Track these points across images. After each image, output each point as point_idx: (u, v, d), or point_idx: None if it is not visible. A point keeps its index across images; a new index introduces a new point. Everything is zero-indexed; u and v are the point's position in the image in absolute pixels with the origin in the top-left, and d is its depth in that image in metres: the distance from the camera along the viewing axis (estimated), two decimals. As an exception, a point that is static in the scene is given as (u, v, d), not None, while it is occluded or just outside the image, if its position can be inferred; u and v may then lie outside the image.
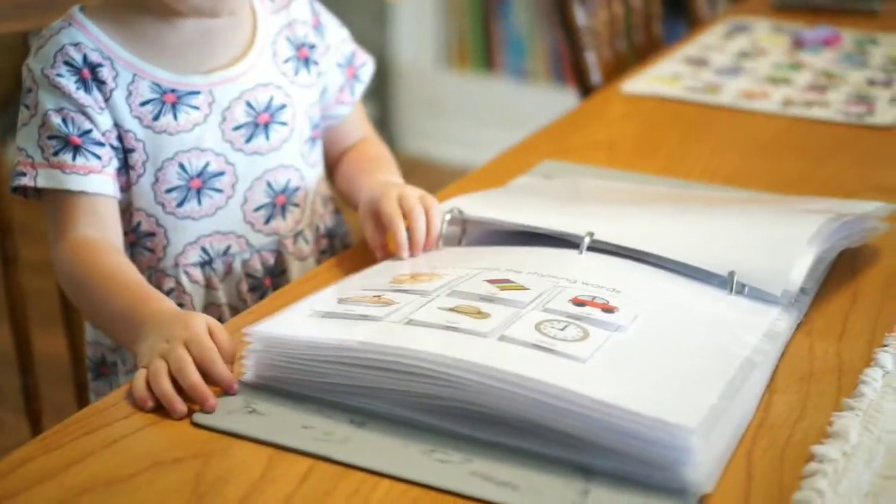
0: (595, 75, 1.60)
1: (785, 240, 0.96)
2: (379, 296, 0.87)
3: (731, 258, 0.94)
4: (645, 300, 0.88)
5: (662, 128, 1.40)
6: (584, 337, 0.79)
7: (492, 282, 0.89)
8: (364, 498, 0.70)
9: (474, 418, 0.75)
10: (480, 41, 3.63)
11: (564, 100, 3.14)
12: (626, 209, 1.07)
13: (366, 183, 1.09)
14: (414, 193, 1.02)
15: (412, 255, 0.99)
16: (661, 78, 1.55)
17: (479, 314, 0.82)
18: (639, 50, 1.82)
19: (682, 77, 1.56)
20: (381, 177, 1.10)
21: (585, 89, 1.62)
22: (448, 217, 1.02)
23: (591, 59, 1.59)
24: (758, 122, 1.42)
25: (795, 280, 0.91)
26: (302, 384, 0.80)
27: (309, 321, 0.84)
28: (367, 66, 1.18)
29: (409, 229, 0.99)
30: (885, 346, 0.88)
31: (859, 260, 1.03)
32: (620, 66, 1.72)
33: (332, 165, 1.18)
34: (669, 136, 1.37)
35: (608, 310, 0.84)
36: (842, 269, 1.01)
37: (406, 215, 0.99)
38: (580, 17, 1.58)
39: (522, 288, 0.88)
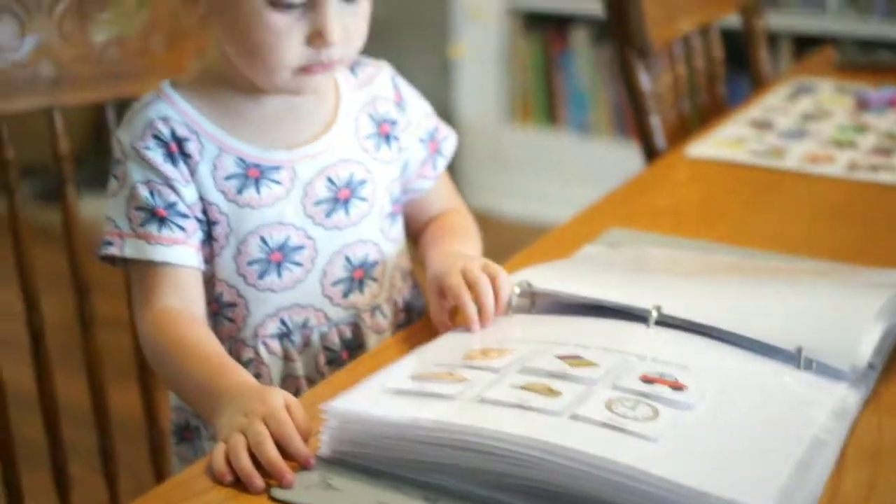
0: (659, 139, 1.62)
1: (852, 314, 0.97)
2: (451, 372, 0.89)
3: (798, 333, 0.95)
4: (713, 377, 0.89)
5: (727, 193, 1.41)
6: (653, 416, 0.80)
7: (562, 358, 0.90)
8: (438, 576, 0.72)
9: (546, 496, 0.77)
10: (543, 95, 3.66)
11: (627, 153, 3.15)
12: (692, 281, 1.08)
13: (434, 255, 1.11)
14: (477, 264, 1.03)
15: (482, 326, 1.01)
16: (725, 141, 1.56)
17: (551, 392, 0.84)
18: (703, 111, 1.84)
19: (747, 140, 1.57)
20: (451, 248, 1.12)
21: (650, 152, 1.63)
22: (518, 291, 1.04)
23: (656, 122, 1.61)
24: (823, 186, 1.42)
25: (863, 355, 0.92)
26: (377, 460, 0.82)
27: (383, 398, 0.86)
28: (448, 140, 1.20)
29: (476, 301, 1.01)
30: (954, 422, 0.89)
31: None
32: (685, 128, 1.74)
33: (415, 237, 1.20)
34: (734, 201, 1.38)
35: (677, 387, 0.85)
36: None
37: (471, 287, 1.00)
38: (644, 81, 1.59)
39: (592, 364, 0.89)
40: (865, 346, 0.93)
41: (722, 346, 0.95)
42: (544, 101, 3.67)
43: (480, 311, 1.00)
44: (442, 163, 1.19)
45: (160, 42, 1.35)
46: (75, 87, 1.34)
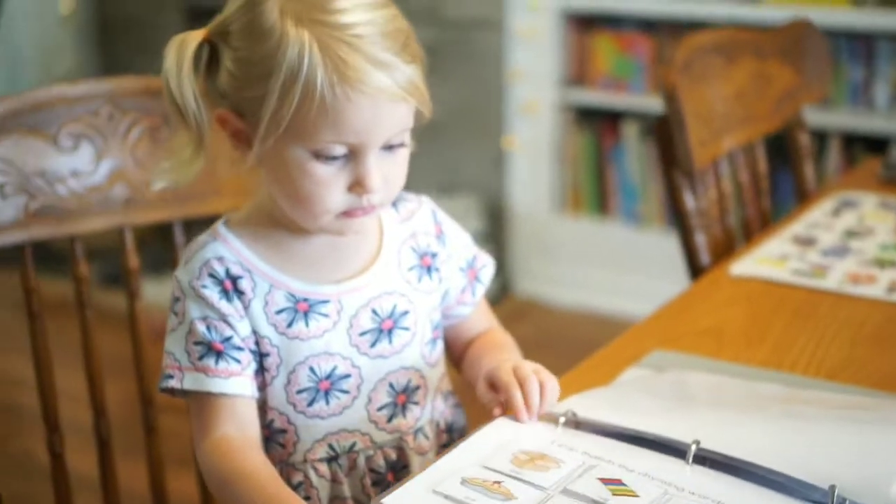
0: (704, 256, 1.67)
1: (887, 453, 1.00)
2: (499, 483, 0.94)
3: (832, 471, 0.98)
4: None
5: (769, 314, 1.44)
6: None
7: (604, 481, 0.94)
8: None
9: None
10: (594, 187, 3.72)
11: (675, 243, 3.19)
12: (730, 412, 1.12)
13: (486, 362, 1.16)
14: (529, 366, 1.09)
15: (529, 417, 1.06)
16: (768, 259, 1.61)
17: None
18: (749, 224, 1.88)
19: (790, 258, 1.61)
20: (501, 355, 1.18)
21: (695, 270, 1.67)
22: (563, 420, 1.09)
23: (700, 240, 1.66)
24: (863, 308, 1.45)
25: (894, 498, 0.96)
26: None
27: (433, 499, 0.91)
28: (487, 269, 1.26)
29: (525, 397, 1.06)
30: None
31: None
32: (730, 243, 1.78)
33: (459, 357, 1.25)
34: (776, 322, 1.42)
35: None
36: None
37: (521, 383, 1.06)
38: (689, 201, 1.64)
39: (633, 494, 0.94)
40: (896, 485, 0.97)
41: (756, 487, 0.99)
42: (595, 192, 3.73)
43: (528, 406, 1.06)
44: (480, 289, 1.25)
45: (224, 167, 1.43)
46: (146, 208, 1.42)
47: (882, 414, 1.12)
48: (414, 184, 4.06)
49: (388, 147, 1.07)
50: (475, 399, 1.16)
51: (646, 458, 1.02)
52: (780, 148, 2.21)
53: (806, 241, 1.68)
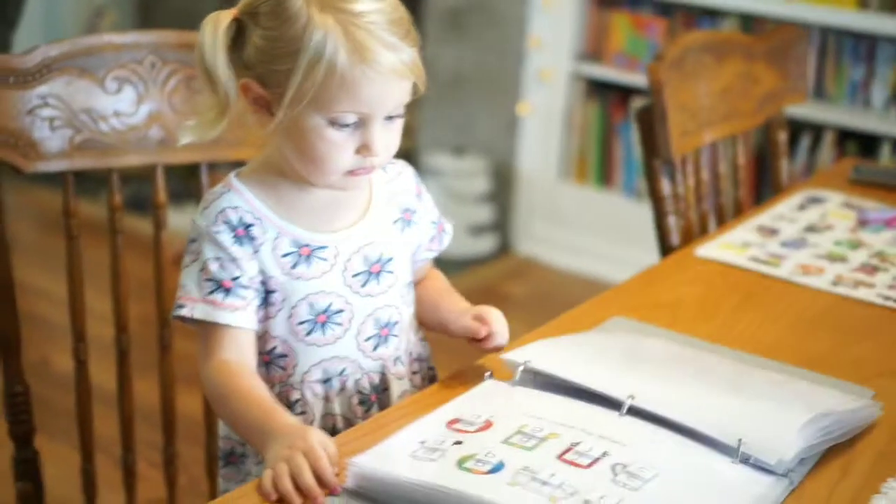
0: (674, 237, 1.84)
1: (788, 419, 1.18)
2: (460, 441, 1.12)
3: (742, 430, 1.16)
4: (664, 463, 1.10)
5: (723, 294, 1.62)
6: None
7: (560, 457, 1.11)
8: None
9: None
10: (600, 158, 3.88)
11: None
12: (669, 375, 1.30)
13: (448, 303, 1.40)
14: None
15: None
16: (731, 245, 1.78)
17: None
18: (723, 211, 2.05)
19: (751, 246, 1.78)
20: (458, 299, 1.41)
21: (664, 249, 1.85)
22: (521, 367, 1.27)
23: (672, 223, 1.83)
24: (807, 297, 1.62)
25: (788, 453, 1.13)
26: (390, 496, 1.05)
27: (397, 457, 1.10)
28: (448, 225, 1.45)
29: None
30: (857, 517, 1.10)
31: (858, 438, 1.24)
32: (703, 227, 1.95)
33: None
34: (728, 302, 1.59)
35: (634, 475, 1.07)
36: (841, 446, 1.22)
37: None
38: (665, 186, 1.82)
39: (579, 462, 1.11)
40: (792, 447, 1.14)
41: (678, 437, 1.17)
42: (600, 163, 3.89)
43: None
44: (446, 240, 1.44)
45: (252, 121, 1.60)
46: (178, 149, 1.59)
47: (790, 387, 1.30)
48: (429, 142, 4.28)
49: (389, 117, 1.25)
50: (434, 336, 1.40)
51: (585, 415, 1.19)
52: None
53: (769, 232, 1.85)
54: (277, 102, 1.22)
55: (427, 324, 1.41)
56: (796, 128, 3.43)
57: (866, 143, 3.41)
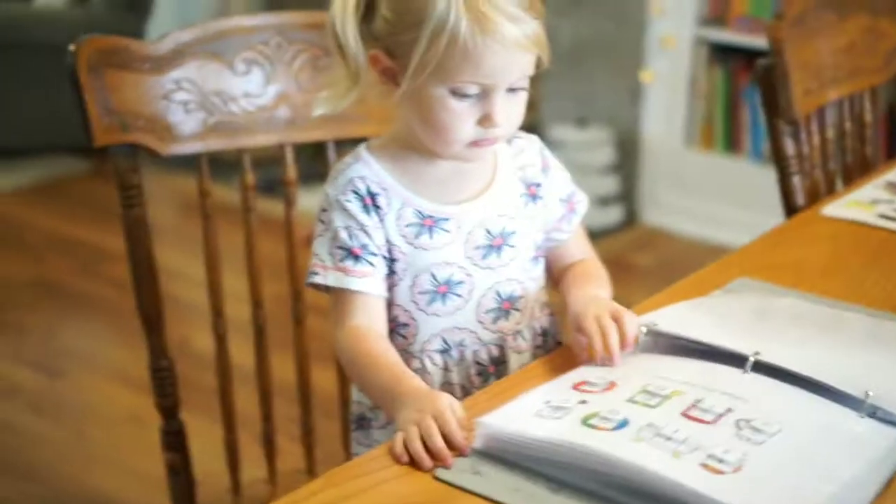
0: (799, 198, 1.82)
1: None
2: (585, 401, 1.14)
3: (870, 382, 1.16)
4: (790, 419, 1.11)
5: (849, 252, 1.60)
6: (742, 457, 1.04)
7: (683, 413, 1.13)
8: (551, 545, 0.98)
9: (642, 495, 1.01)
10: (726, 124, 3.84)
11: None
12: (795, 332, 1.30)
13: (574, 296, 1.35)
14: (608, 311, 1.26)
15: (610, 364, 1.24)
16: (859, 203, 1.76)
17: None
18: (851, 171, 2.02)
19: (879, 203, 1.75)
20: (589, 290, 1.36)
21: (790, 210, 1.84)
22: (644, 330, 1.28)
23: (796, 182, 1.82)
24: (939, 252, 1.61)
25: (917, 407, 1.13)
26: (515, 455, 1.08)
27: (523, 416, 1.12)
28: (582, 203, 1.44)
29: (606, 343, 1.24)
30: None
31: None
32: (829, 187, 1.94)
33: (557, 278, 1.45)
34: (854, 260, 1.58)
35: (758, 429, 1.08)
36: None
37: (603, 332, 1.24)
38: (789, 146, 1.80)
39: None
40: (921, 399, 1.14)
41: (804, 393, 1.17)
42: (727, 129, 3.85)
43: (609, 352, 1.23)
44: (576, 220, 1.43)
45: (374, 97, 1.64)
46: (306, 127, 1.65)
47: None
48: (552, 114, 4.28)
49: (512, 90, 1.27)
50: (562, 312, 1.37)
51: (708, 373, 1.20)
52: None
53: (897, 188, 1.82)
54: (403, 73, 1.25)
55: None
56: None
57: None
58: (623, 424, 1.09)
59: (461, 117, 1.26)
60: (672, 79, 3.87)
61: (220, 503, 1.70)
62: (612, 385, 1.19)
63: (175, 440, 1.60)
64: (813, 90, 1.87)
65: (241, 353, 1.79)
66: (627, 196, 4.02)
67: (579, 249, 1.45)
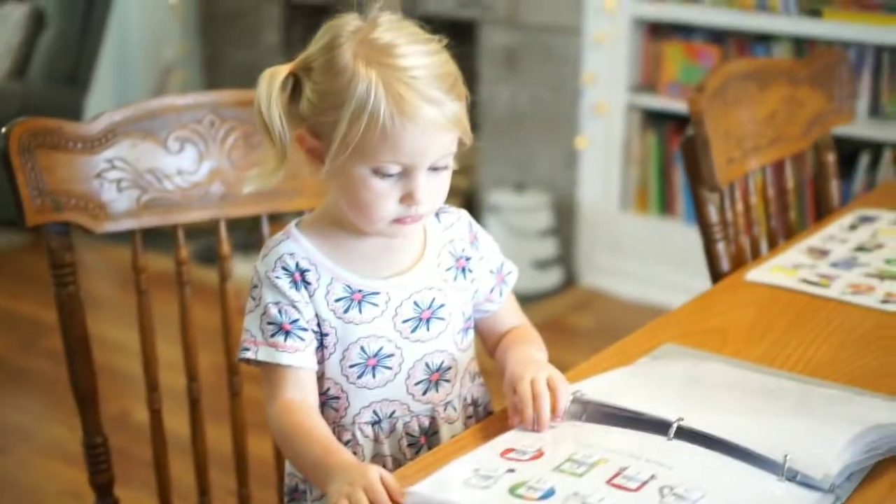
0: (724, 263, 1.87)
1: (833, 435, 1.21)
2: (513, 469, 1.17)
3: (788, 446, 1.19)
4: (712, 485, 1.14)
5: (773, 317, 1.64)
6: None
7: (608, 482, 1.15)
8: None
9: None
10: (660, 187, 3.91)
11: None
12: (717, 397, 1.33)
13: (511, 358, 1.38)
14: (543, 377, 1.29)
15: (539, 431, 1.27)
16: (782, 268, 1.80)
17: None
18: (775, 235, 2.08)
19: (801, 268, 1.80)
20: (525, 353, 1.39)
21: (715, 276, 1.88)
22: (572, 398, 1.31)
23: (721, 249, 1.86)
24: (857, 316, 1.64)
25: (833, 468, 1.16)
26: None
27: (452, 485, 1.14)
28: (512, 274, 1.48)
29: (537, 411, 1.27)
30: (903, 528, 1.13)
31: (906, 453, 1.27)
32: (754, 252, 1.98)
33: (492, 347, 1.47)
34: (777, 325, 1.62)
35: (681, 496, 1.11)
36: (890, 461, 1.25)
37: (535, 399, 1.28)
38: (712, 214, 1.85)
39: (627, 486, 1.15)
40: (837, 462, 1.17)
41: (726, 459, 1.20)
42: (661, 192, 3.92)
43: (538, 419, 1.27)
44: (506, 290, 1.47)
45: (307, 171, 1.67)
46: (239, 203, 1.67)
47: (839, 403, 1.32)
48: (490, 180, 4.36)
49: (434, 168, 1.30)
50: (498, 379, 1.39)
51: (634, 443, 1.23)
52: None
53: (820, 253, 1.87)
54: (327, 152, 1.28)
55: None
56: (854, 147, 3.44)
57: (928, 159, 3.41)
58: (549, 494, 1.12)
59: (383, 196, 1.29)
60: (606, 144, 3.94)
61: (156, 580, 1.69)
62: (539, 453, 1.21)
63: (109, 517, 1.60)
64: (736, 158, 1.92)
65: (179, 423, 1.80)
66: (565, 259, 4.07)
67: (512, 317, 1.49)
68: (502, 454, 1.22)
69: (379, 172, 1.28)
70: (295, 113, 1.32)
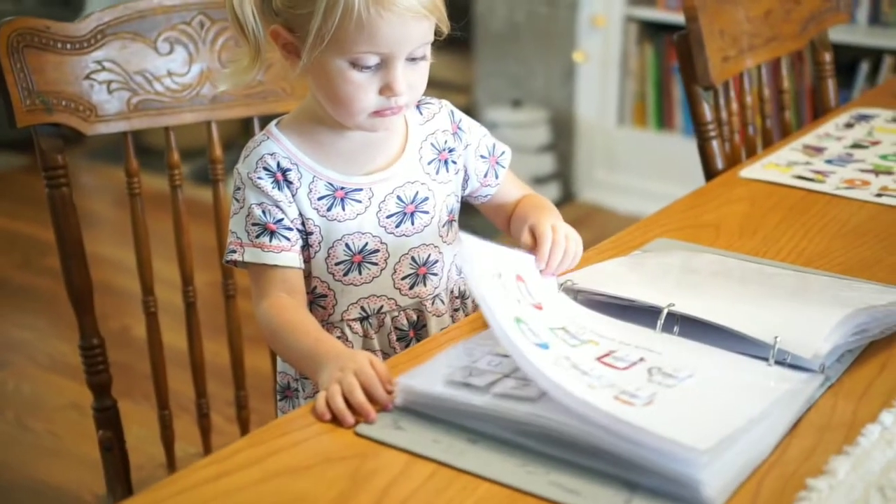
0: (719, 162, 1.86)
1: (822, 318, 1.21)
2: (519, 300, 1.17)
3: (779, 329, 1.20)
4: (701, 367, 1.14)
5: (766, 211, 1.64)
6: (652, 394, 1.07)
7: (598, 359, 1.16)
8: (470, 493, 1.00)
9: (557, 441, 1.04)
10: (657, 101, 3.89)
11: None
12: (709, 284, 1.34)
13: (531, 213, 1.40)
14: (564, 228, 1.32)
15: (546, 273, 1.29)
16: (776, 165, 1.80)
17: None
18: (771, 135, 2.07)
19: (796, 165, 1.80)
20: (542, 208, 1.42)
21: (709, 174, 1.87)
22: (562, 286, 1.31)
23: (716, 147, 1.85)
24: (851, 208, 1.64)
25: (822, 349, 1.17)
26: (434, 410, 1.11)
27: (443, 376, 1.14)
28: (506, 154, 1.48)
29: (551, 253, 1.29)
30: (892, 406, 1.13)
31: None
32: (750, 151, 1.98)
33: (505, 223, 1.48)
34: (771, 219, 1.62)
35: (669, 374, 1.12)
36: (881, 344, 1.25)
37: (553, 243, 1.30)
38: (706, 112, 1.84)
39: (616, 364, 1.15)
40: (827, 342, 1.18)
41: (715, 349, 1.20)
42: (659, 105, 3.90)
43: (550, 263, 1.29)
44: (502, 172, 1.47)
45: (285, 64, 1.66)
46: (229, 105, 1.66)
47: (829, 286, 1.33)
48: (486, 96, 4.33)
49: (412, 59, 1.29)
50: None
51: (625, 330, 1.23)
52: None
53: (815, 150, 1.86)
54: (303, 46, 1.27)
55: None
56: (855, 55, 3.41)
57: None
58: (544, 346, 1.12)
59: (362, 88, 1.27)
60: (604, 58, 3.91)
61: (154, 479, 1.71)
62: (538, 305, 1.21)
63: (107, 417, 1.61)
64: (731, 57, 1.91)
65: (178, 338, 1.80)
66: (563, 175, 4.06)
67: (516, 191, 1.49)
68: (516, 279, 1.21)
69: (356, 64, 1.26)
70: (268, 9, 1.30)
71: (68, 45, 1.54)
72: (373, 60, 1.26)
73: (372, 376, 1.13)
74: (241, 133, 3.76)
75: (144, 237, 1.63)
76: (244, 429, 1.76)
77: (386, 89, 1.28)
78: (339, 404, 1.11)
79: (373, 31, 1.24)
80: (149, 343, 1.67)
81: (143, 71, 1.60)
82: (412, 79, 1.29)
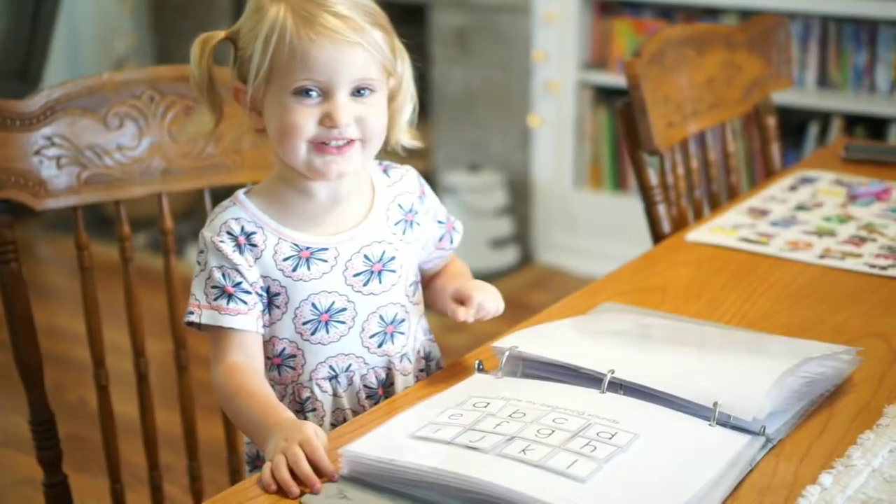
0: (665, 225, 1.89)
1: (761, 378, 1.23)
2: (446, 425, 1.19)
3: (719, 391, 1.22)
4: (645, 432, 1.16)
5: (711, 274, 1.67)
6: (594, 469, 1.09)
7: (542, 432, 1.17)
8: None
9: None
10: (612, 163, 3.94)
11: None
12: (648, 347, 1.35)
13: (454, 281, 1.45)
14: (483, 289, 1.37)
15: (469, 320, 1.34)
16: (721, 228, 1.83)
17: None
18: (718, 199, 2.10)
19: (741, 228, 1.83)
20: (465, 277, 1.47)
21: (656, 238, 1.90)
22: (507, 355, 1.33)
23: (662, 211, 1.89)
24: (795, 271, 1.67)
25: (762, 410, 1.19)
26: (382, 480, 1.12)
27: (391, 442, 1.16)
28: (458, 223, 1.52)
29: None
30: (831, 468, 1.15)
31: (838, 396, 1.30)
32: (696, 214, 2.01)
33: (424, 285, 1.50)
34: (716, 281, 1.64)
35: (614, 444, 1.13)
36: (823, 405, 1.27)
37: (479, 305, 1.35)
38: (652, 177, 1.88)
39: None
40: (767, 404, 1.20)
41: (659, 408, 1.22)
42: (614, 168, 3.95)
43: (477, 311, 1.35)
44: (456, 237, 1.50)
45: (248, 143, 1.68)
46: (180, 177, 1.68)
47: (770, 343, 1.35)
48: (444, 161, 4.36)
49: (358, 94, 1.32)
50: (446, 337, 1.41)
51: (568, 395, 1.25)
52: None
53: (759, 213, 1.90)
54: (252, 88, 1.32)
55: (441, 311, 1.46)
56: (804, 116, 3.48)
57: (874, 127, 3.45)
58: (485, 447, 1.13)
59: (302, 116, 1.31)
60: (559, 122, 3.96)
61: (108, 556, 1.70)
62: (473, 412, 1.22)
63: (58, 493, 1.60)
64: (676, 123, 1.94)
65: (132, 408, 1.80)
66: (521, 237, 4.09)
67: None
68: (435, 413, 1.23)
69: (298, 94, 1.30)
70: (236, 76, 1.36)
71: (17, 123, 1.55)
72: (314, 90, 1.30)
73: (317, 447, 1.14)
74: (200, 200, 3.77)
75: (95, 310, 1.63)
76: (197, 500, 1.75)
77: (326, 118, 1.31)
78: (285, 475, 1.12)
79: (306, 57, 1.28)
80: (100, 416, 1.66)
81: (93, 146, 1.61)
82: (360, 112, 1.32)
